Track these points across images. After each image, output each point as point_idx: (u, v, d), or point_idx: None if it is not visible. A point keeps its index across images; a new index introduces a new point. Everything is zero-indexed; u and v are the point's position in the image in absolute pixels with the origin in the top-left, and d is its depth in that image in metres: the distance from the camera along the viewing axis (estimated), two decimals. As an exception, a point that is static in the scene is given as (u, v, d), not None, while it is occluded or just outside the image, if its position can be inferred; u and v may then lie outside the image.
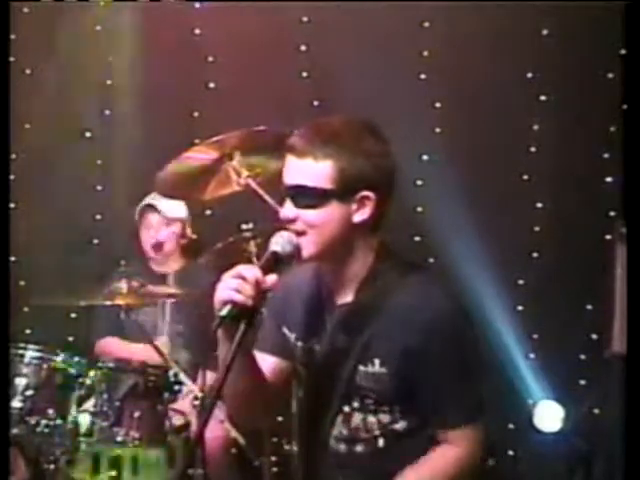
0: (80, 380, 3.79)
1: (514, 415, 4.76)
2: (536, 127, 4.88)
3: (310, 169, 2.30)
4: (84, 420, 3.76)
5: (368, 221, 2.34)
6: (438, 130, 4.90)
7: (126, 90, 5.08)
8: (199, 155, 3.79)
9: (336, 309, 2.43)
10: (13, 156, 4.81)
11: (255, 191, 3.71)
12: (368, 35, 4.88)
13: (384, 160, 2.35)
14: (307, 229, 2.31)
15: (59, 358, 3.82)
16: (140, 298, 4.03)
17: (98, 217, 5.14)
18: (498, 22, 4.80)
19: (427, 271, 2.55)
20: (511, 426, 4.81)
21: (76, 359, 3.84)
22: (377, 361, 2.36)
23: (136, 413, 3.75)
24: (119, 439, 3.72)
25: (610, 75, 4.68)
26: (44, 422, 3.72)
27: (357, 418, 2.42)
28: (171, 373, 3.86)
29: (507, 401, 4.56)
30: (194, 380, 3.97)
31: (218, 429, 3.85)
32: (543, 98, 4.85)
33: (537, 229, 4.88)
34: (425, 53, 4.91)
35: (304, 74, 4.97)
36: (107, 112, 5.13)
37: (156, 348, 3.93)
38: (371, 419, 2.42)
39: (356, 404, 2.42)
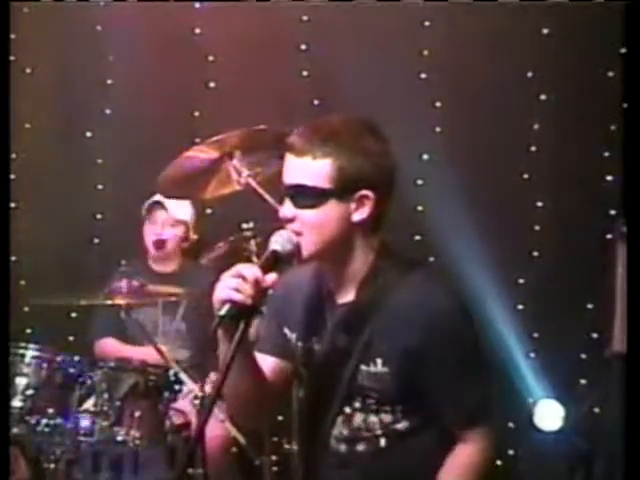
0: (80, 380, 3.79)
1: (514, 414, 4.76)
2: (536, 126, 4.88)
3: (309, 168, 2.29)
4: (84, 420, 3.76)
5: (367, 220, 2.34)
6: (438, 129, 4.91)
7: (126, 89, 5.08)
8: (199, 154, 3.79)
9: (337, 308, 2.42)
10: (13, 155, 4.82)
11: (255, 190, 3.71)
12: (368, 34, 4.88)
13: (383, 159, 2.35)
14: (306, 229, 2.30)
15: (59, 358, 3.82)
16: (140, 298, 4.04)
17: (98, 216, 5.14)
18: (498, 21, 4.81)
19: (428, 269, 2.55)
20: (511, 425, 4.81)
21: (76, 359, 3.84)
22: (379, 360, 2.35)
23: (136, 413, 3.75)
24: (119, 438, 3.72)
25: (610, 74, 4.68)
26: (45, 421, 3.72)
27: (358, 418, 2.41)
28: (171, 373, 3.86)
29: (507, 400, 4.55)
30: (194, 380, 3.97)
31: (218, 428, 3.85)
32: (543, 97, 4.85)
33: (537, 228, 4.88)
34: (425, 52, 4.91)
35: (304, 73, 4.97)
36: (107, 111, 5.13)
37: (156, 348, 3.94)
38: (373, 419, 2.41)
39: (357, 404, 2.41)
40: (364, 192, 2.31)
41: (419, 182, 4.87)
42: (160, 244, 4.53)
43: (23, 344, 3.85)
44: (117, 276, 4.23)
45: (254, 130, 3.72)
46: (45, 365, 3.80)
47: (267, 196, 3.64)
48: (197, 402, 3.81)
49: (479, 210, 4.68)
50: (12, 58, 4.76)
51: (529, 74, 4.84)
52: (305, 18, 4.96)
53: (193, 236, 4.61)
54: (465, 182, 4.68)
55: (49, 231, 5.06)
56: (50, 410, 3.75)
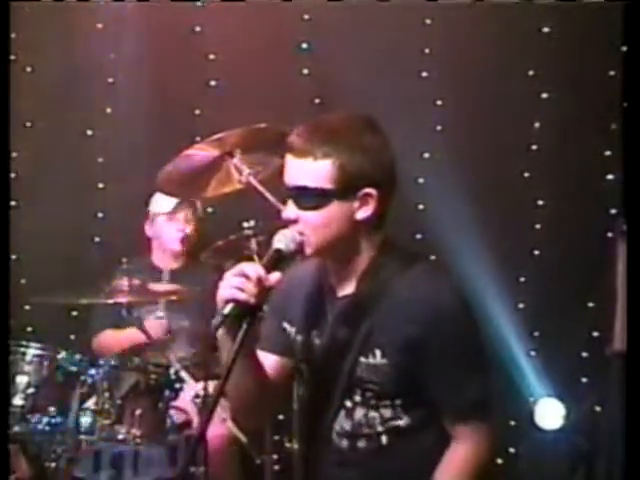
0: (81, 378, 3.79)
1: (515, 412, 4.77)
2: (537, 125, 4.88)
3: (310, 169, 2.29)
4: (85, 418, 3.76)
5: (371, 218, 2.34)
6: (439, 128, 4.91)
7: (127, 88, 5.07)
8: (200, 153, 3.79)
9: (337, 301, 2.42)
10: (14, 154, 4.82)
11: (256, 189, 3.71)
12: (369, 33, 4.88)
13: (383, 154, 2.34)
14: (310, 230, 2.30)
15: (60, 356, 3.82)
16: (142, 296, 4.04)
17: (99, 215, 5.14)
18: (499, 20, 4.81)
19: (429, 262, 2.55)
20: (512, 423, 4.82)
21: (77, 357, 3.84)
22: (378, 352, 2.35)
23: (137, 411, 3.74)
24: (120, 437, 3.71)
25: (611, 72, 4.68)
26: (45, 420, 3.72)
27: (359, 413, 2.41)
28: (172, 371, 3.86)
29: (508, 398, 4.56)
30: (195, 378, 3.98)
31: (220, 427, 3.85)
32: (544, 96, 4.85)
33: (538, 227, 4.89)
34: (426, 51, 4.91)
35: (305, 72, 4.97)
36: (108, 110, 5.13)
37: (157, 346, 3.94)
38: (373, 414, 2.40)
39: (357, 398, 2.41)
40: (367, 190, 2.31)
41: (420, 180, 4.87)
42: (185, 240, 4.54)
43: (24, 342, 3.84)
44: (118, 274, 4.24)
45: (255, 129, 3.71)
46: (46, 363, 3.79)
47: (268, 194, 3.64)
48: (198, 401, 3.81)
49: (480, 209, 4.68)
50: (13, 57, 4.76)
51: (530, 73, 4.85)
52: (306, 17, 4.96)
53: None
54: (466, 180, 4.68)
55: (50, 230, 5.05)
56: (51, 408, 3.74)
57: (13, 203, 4.81)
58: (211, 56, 5.04)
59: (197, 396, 3.82)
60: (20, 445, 3.79)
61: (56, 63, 5.11)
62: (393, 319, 2.34)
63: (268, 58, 4.92)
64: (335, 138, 2.29)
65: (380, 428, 2.41)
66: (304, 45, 4.98)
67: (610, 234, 4.62)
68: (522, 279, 4.87)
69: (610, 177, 4.75)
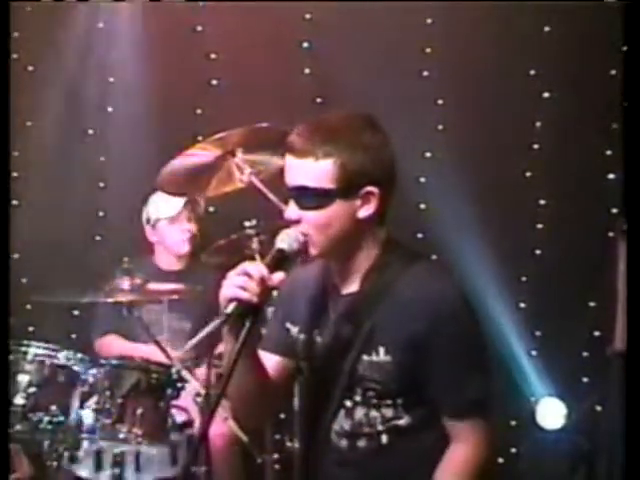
0: (83, 377, 3.79)
1: (516, 412, 4.77)
2: (538, 124, 4.88)
3: (311, 169, 2.29)
4: (87, 417, 3.76)
5: (373, 216, 2.34)
6: (440, 127, 4.91)
7: (128, 87, 5.08)
8: (202, 152, 3.79)
9: (340, 299, 2.43)
10: (15, 154, 4.82)
11: (258, 188, 3.71)
12: (370, 32, 4.87)
13: (384, 152, 2.35)
14: (313, 229, 2.31)
15: (62, 355, 3.82)
16: (143, 295, 4.04)
17: (101, 214, 5.14)
18: (500, 19, 4.81)
19: (432, 260, 2.55)
20: (513, 423, 4.82)
21: (79, 356, 3.84)
22: (381, 349, 2.35)
23: (139, 410, 3.74)
24: (122, 436, 3.72)
25: (613, 72, 4.67)
26: (47, 419, 3.72)
27: (360, 412, 2.41)
28: (174, 370, 3.86)
29: (509, 398, 4.56)
30: (197, 377, 3.98)
31: (221, 426, 3.85)
32: (546, 95, 4.85)
33: (540, 226, 4.89)
34: (428, 50, 4.91)
35: (307, 71, 4.97)
36: (109, 109, 5.13)
37: (158, 345, 3.94)
38: (374, 414, 2.41)
39: (358, 397, 2.41)
40: (369, 188, 2.32)
41: (421, 180, 4.88)
42: (193, 240, 4.54)
43: (25, 342, 3.85)
44: (119, 274, 4.23)
45: (256, 128, 3.71)
46: (47, 363, 3.79)
47: (270, 194, 3.64)
48: (200, 400, 3.81)
49: (481, 208, 4.68)
50: (14, 56, 4.76)
51: (531, 72, 4.84)
52: (308, 16, 4.96)
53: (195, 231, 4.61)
54: (467, 180, 4.68)
55: (51, 229, 5.05)
56: (52, 407, 3.74)
57: (14, 202, 4.81)
58: (212, 55, 5.04)
59: (198, 395, 3.82)
60: (21, 444, 3.80)
61: (57, 62, 5.11)
62: (397, 317, 2.34)
63: (269, 57, 4.92)
64: (335, 137, 2.30)
65: (380, 427, 2.41)
66: (305, 44, 4.98)
67: (611, 234, 4.61)
68: (523, 278, 4.87)
69: (611, 176, 4.75)
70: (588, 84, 4.74)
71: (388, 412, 2.40)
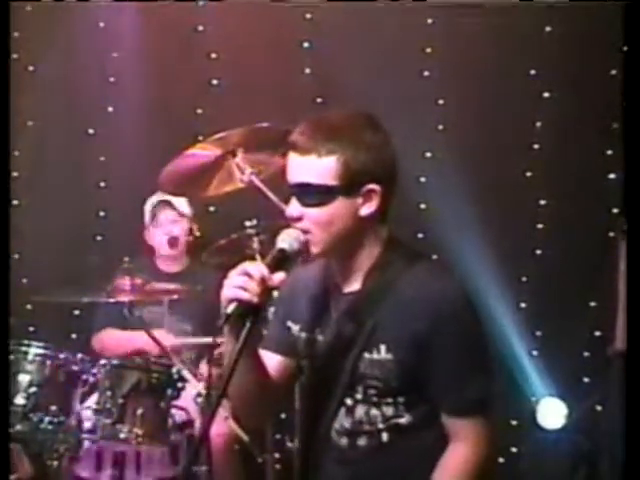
0: (83, 377, 3.80)
1: (517, 412, 4.77)
2: (539, 124, 4.88)
3: (314, 166, 2.30)
4: (87, 417, 3.76)
5: (375, 213, 2.34)
6: (441, 127, 4.91)
7: (129, 87, 5.07)
8: (202, 152, 3.79)
9: (343, 297, 2.43)
10: (15, 153, 4.82)
11: (258, 188, 3.71)
12: (371, 32, 4.88)
13: (385, 150, 2.35)
14: (314, 227, 2.31)
15: (62, 355, 3.82)
16: (143, 295, 4.04)
17: (101, 214, 5.14)
18: (501, 20, 4.81)
19: (434, 260, 2.55)
20: (514, 423, 4.82)
21: (79, 356, 3.85)
22: (383, 347, 2.35)
23: (139, 410, 3.74)
24: (122, 436, 3.72)
25: (613, 72, 4.68)
26: (47, 419, 3.72)
27: (360, 410, 2.41)
28: (174, 370, 3.86)
29: (510, 398, 4.56)
30: (197, 377, 3.98)
31: (222, 426, 3.85)
32: (546, 95, 4.85)
33: (540, 226, 4.89)
34: (428, 50, 4.92)
35: (307, 71, 4.98)
36: (110, 109, 5.13)
37: (159, 345, 3.94)
38: (374, 412, 2.40)
39: (359, 395, 2.41)
40: (371, 186, 2.32)
41: (422, 180, 4.88)
42: (174, 241, 4.54)
43: (26, 342, 3.85)
44: (120, 274, 4.24)
45: (257, 128, 3.71)
46: (48, 363, 3.80)
47: (270, 194, 3.64)
48: (200, 400, 3.81)
49: (481, 208, 4.69)
50: (14, 56, 4.76)
51: (531, 72, 4.85)
52: (308, 16, 4.97)
53: (197, 232, 4.61)
54: (467, 180, 4.68)
55: (51, 229, 5.05)
56: (53, 407, 3.75)
57: (14, 202, 4.81)
58: (213, 55, 5.05)
59: (199, 395, 3.82)
60: (22, 444, 3.80)
61: (57, 62, 5.11)
62: (399, 316, 2.34)
63: (270, 57, 4.92)
64: (338, 135, 2.30)
65: (381, 425, 2.40)
66: (306, 44, 4.98)
67: (611, 233, 4.62)
68: (524, 279, 4.87)
69: (611, 176, 4.75)
70: (588, 84, 4.74)
71: (389, 410, 2.40)
